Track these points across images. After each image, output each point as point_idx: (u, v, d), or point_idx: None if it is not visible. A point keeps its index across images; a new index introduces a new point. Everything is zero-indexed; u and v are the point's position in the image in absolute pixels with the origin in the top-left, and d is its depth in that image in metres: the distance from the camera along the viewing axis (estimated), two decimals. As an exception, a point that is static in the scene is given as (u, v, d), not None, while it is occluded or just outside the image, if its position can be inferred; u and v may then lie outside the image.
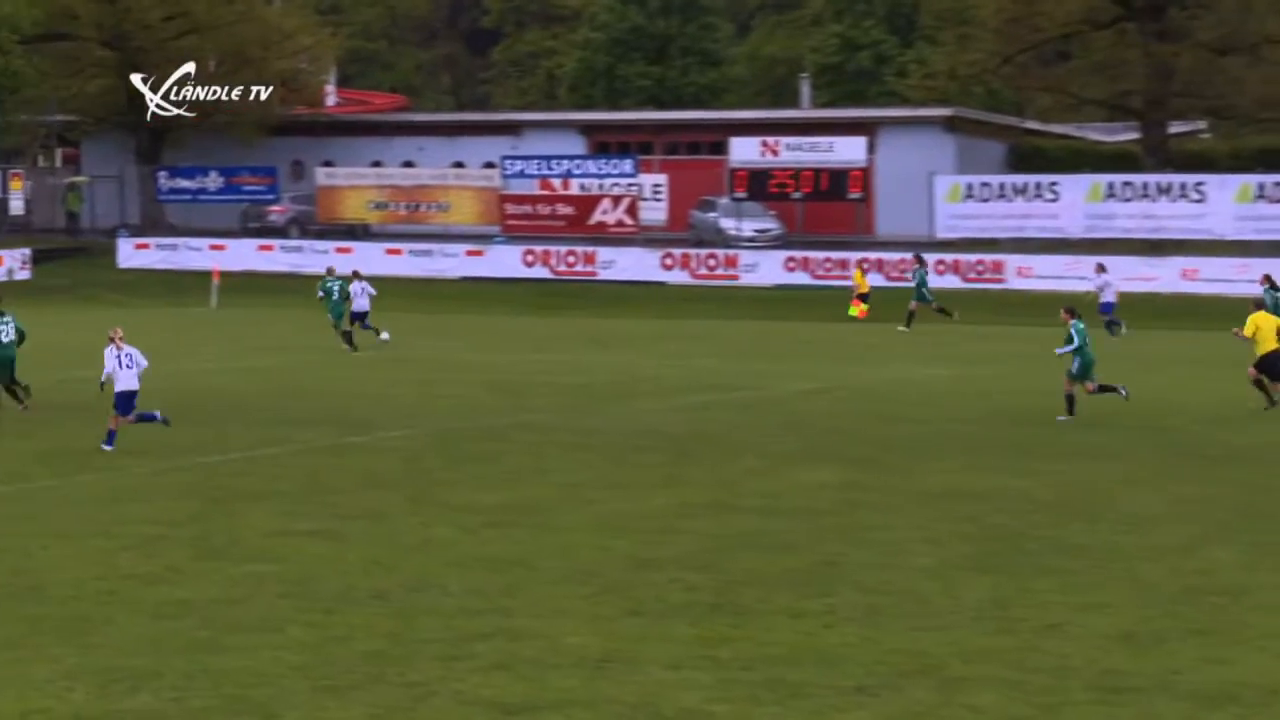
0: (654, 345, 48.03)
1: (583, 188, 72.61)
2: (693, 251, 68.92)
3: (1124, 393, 32.26)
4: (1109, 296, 50.97)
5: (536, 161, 74.02)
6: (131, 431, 28.54)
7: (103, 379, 27.89)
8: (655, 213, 72.13)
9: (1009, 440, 29.52)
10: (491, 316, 58.59)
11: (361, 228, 76.13)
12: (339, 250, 70.55)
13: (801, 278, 62.37)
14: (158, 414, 28.33)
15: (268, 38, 79.50)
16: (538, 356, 44.71)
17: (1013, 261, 64.28)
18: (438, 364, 42.40)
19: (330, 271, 48.23)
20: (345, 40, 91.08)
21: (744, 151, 70.95)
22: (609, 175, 72.53)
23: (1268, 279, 46.68)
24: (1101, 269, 52.60)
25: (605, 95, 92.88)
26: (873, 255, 64.68)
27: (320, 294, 47.14)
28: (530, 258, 70.00)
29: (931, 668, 15.16)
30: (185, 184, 78.68)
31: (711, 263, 67.81)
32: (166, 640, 16.03)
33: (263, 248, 71.52)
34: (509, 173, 73.76)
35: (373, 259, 69.82)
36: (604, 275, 68.48)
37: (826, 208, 71.03)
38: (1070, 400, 31.63)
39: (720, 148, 73.21)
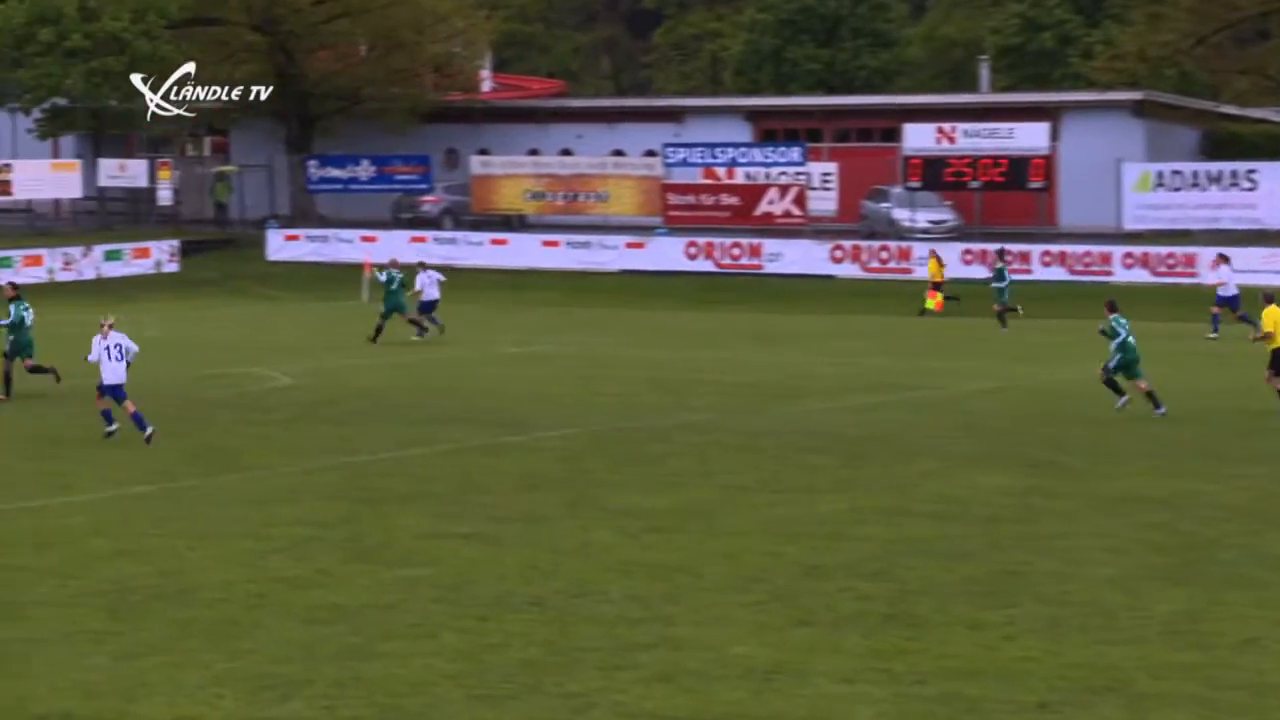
0: (823, 342, 47.46)
1: (748, 177, 72.01)
2: (864, 244, 68.13)
3: (1121, 401, 31.69)
4: (1231, 290, 49.72)
5: (700, 149, 73.55)
6: (278, 432, 28.31)
7: (89, 358, 27.98)
8: (824, 203, 71.39)
9: (1198, 442, 28.80)
10: (652, 311, 58.31)
11: (517, 218, 76.14)
12: (494, 242, 70.76)
13: (979, 271, 61.22)
14: (148, 427, 27.26)
15: (421, 21, 79.28)
16: (701, 353, 44.33)
17: (1206, 255, 62.42)
18: (596, 361, 42.13)
19: (393, 262, 48.21)
20: (501, 23, 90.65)
21: (919, 138, 69.94)
22: (776, 164, 71.83)
23: None
24: (1224, 259, 51.38)
25: (772, 79, 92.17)
26: (1054, 248, 63.54)
27: (380, 280, 47.01)
28: (693, 250, 69.56)
29: (1119, 684, 14.88)
30: (336, 173, 78.81)
31: (884, 255, 66.93)
32: (317, 646, 16.03)
33: (415, 239, 71.46)
34: (671, 161, 73.37)
35: (529, 251, 69.95)
36: (770, 268, 67.87)
37: (1006, 198, 69.90)
38: (1114, 385, 31.67)
39: (893, 134, 72.38)
